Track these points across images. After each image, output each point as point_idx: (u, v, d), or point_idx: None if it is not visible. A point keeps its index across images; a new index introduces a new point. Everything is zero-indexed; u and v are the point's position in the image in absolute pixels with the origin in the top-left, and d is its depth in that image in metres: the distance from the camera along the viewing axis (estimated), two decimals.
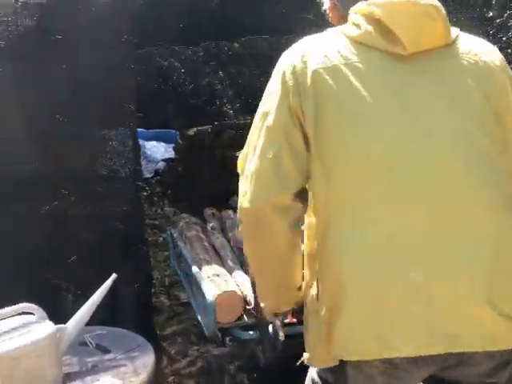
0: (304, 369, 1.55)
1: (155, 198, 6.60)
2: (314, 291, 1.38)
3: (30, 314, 2.07)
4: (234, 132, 5.61)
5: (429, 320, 1.22)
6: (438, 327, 1.23)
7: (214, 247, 2.99)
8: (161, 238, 5.11)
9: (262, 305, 1.63)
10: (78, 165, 2.95)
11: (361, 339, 1.26)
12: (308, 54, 1.35)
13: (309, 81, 1.32)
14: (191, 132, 6.10)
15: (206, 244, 2.96)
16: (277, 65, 1.42)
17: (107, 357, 2.21)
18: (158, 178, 7.12)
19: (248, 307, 2.33)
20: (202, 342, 3.34)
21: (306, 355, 1.45)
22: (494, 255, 1.23)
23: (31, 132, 2.88)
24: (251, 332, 2.32)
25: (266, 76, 1.47)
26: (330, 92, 1.29)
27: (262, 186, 1.34)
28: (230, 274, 2.60)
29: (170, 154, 7.78)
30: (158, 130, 8.78)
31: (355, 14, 1.37)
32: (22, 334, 1.95)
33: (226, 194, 5.45)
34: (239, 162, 1.43)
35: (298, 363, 1.51)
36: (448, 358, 1.26)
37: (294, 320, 1.97)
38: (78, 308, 3.15)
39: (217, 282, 2.45)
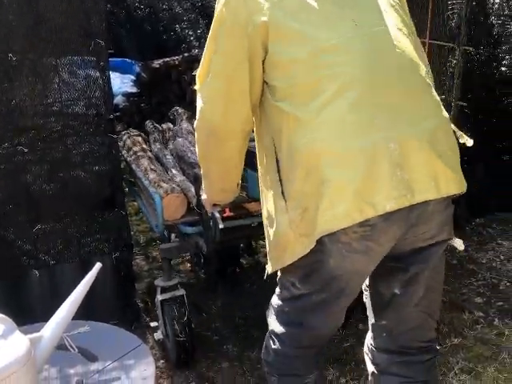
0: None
1: None
2: (278, 188, 1.53)
3: None
4: None
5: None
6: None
7: (157, 157, 3.22)
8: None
9: (203, 198, 1.97)
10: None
11: (345, 207, 1.39)
12: None
13: None
14: (156, 64, 5.46)
15: (150, 155, 3.19)
16: None
17: (94, 367, 1.78)
18: (118, 114, 6.47)
19: (191, 206, 2.58)
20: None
21: (271, 265, 1.61)
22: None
23: None
24: (194, 227, 2.64)
25: None
26: None
27: None
28: (174, 180, 2.83)
29: (127, 86, 7.07)
30: (111, 59, 7.97)
31: None
32: None
33: None
34: None
35: (265, 276, 1.69)
36: (410, 213, 1.44)
37: (231, 214, 2.34)
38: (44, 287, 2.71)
39: (163, 187, 2.67)
